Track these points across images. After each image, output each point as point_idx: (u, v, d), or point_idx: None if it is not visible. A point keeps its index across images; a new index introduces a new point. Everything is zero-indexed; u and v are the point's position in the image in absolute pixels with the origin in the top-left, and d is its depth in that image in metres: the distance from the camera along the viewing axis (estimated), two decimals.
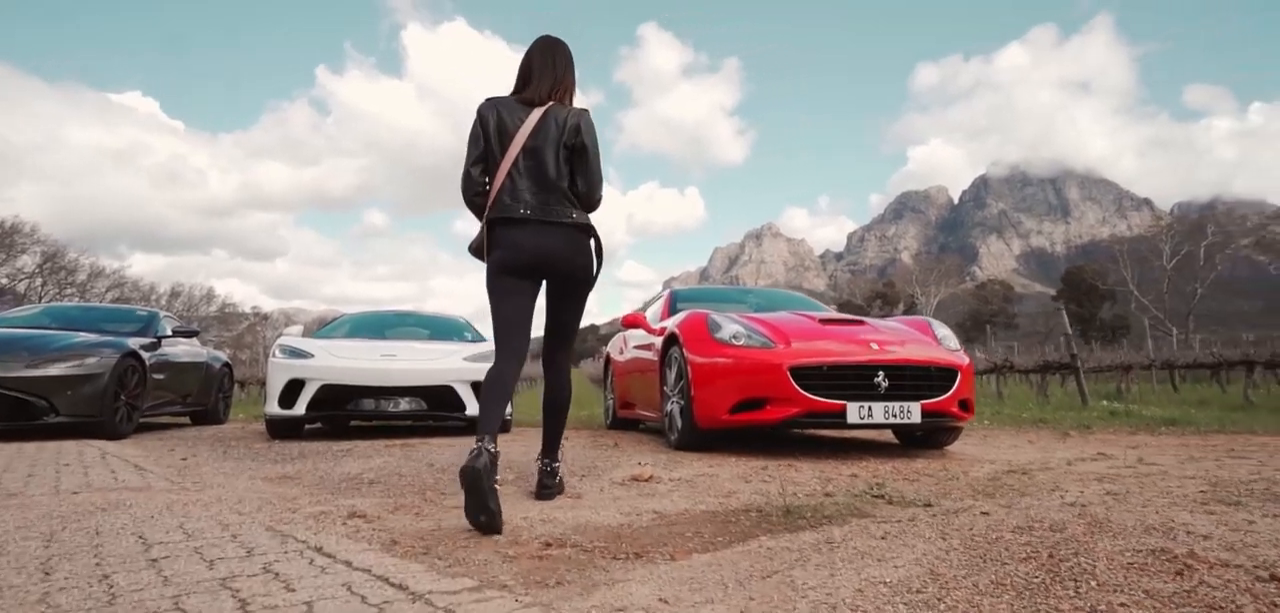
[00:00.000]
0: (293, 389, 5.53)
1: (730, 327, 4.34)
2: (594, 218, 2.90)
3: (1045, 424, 6.97)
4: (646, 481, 3.33)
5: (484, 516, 2.30)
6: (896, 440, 5.16)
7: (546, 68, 2.85)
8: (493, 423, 2.53)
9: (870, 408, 3.95)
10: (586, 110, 2.87)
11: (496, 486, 2.37)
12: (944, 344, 4.50)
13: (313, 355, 5.68)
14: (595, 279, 2.93)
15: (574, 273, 2.83)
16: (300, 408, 5.48)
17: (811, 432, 5.68)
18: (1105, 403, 9.59)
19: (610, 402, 7.11)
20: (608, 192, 3.13)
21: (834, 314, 4.95)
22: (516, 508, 2.71)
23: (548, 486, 2.93)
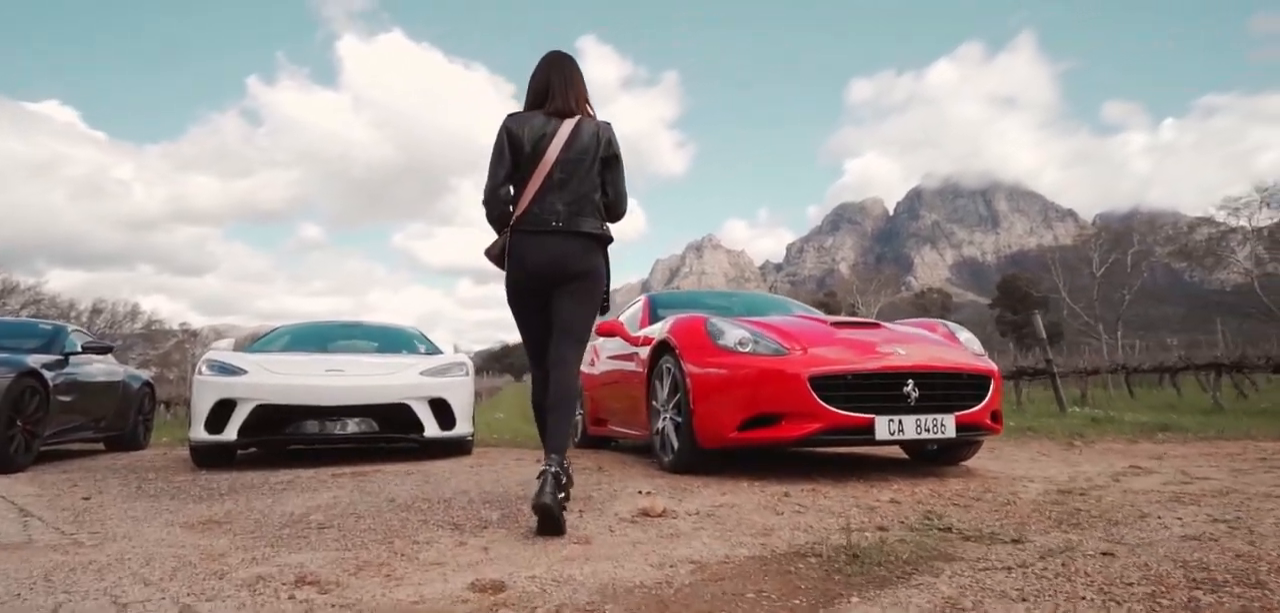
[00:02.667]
0: (222, 411, 4.77)
1: (735, 332, 3.83)
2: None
3: (1036, 433, 6.68)
4: (660, 516, 2.77)
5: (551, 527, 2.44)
6: (906, 455, 4.74)
7: (568, 81, 2.86)
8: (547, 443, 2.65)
9: (900, 422, 3.48)
10: (609, 122, 2.89)
11: (561, 497, 2.48)
12: (969, 348, 4.09)
13: (246, 372, 4.93)
14: (606, 292, 2.91)
15: (581, 274, 2.78)
16: (231, 433, 4.73)
17: (806, 449, 5.21)
18: (1077, 409, 9.46)
19: (580, 418, 6.53)
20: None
21: (845, 317, 4.49)
22: (516, 561, 2.13)
23: (551, 492, 2.39)
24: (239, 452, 5.27)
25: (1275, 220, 43.02)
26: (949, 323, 4.41)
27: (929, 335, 4.15)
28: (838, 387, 3.52)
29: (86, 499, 3.50)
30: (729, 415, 3.66)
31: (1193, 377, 13.77)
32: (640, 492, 3.33)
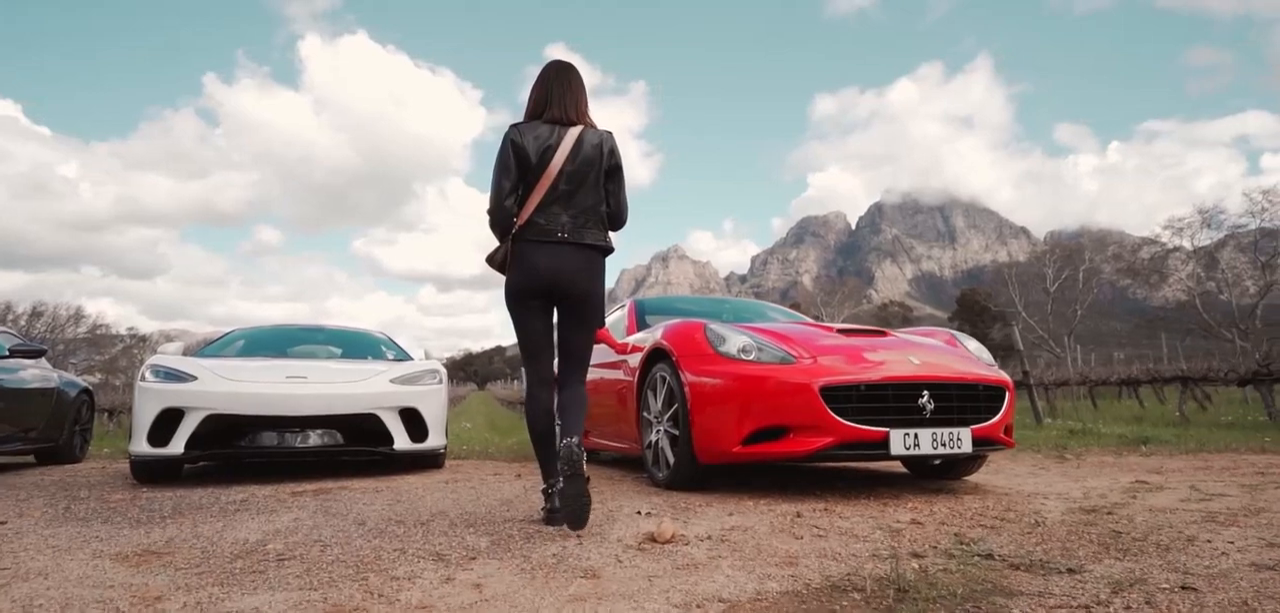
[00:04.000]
0: (168, 421, 4.33)
1: (737, 338, 3.56)
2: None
3: (1021, 445, 6.55)
4: (669, 541, 2.48)
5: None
6: (905, 470, 4.53)
7: (568, 90, 2.87)
8: (551, 467, 2.77)
9: (916, 436, 3.25)
10: (611, 132, 2.91)
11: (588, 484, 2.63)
12: (979, 358, 3.89)
13: (195, 378, 4.50)
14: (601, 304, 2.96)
15: (586, 296, 2.85)
16: (177, 446, 4.29)
17: (801, 464, 4.97)
18: (1050, 421, 9.43)
19: (534, 450, 6.18)
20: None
21: (849, 324, 4.26)
22: (518, 602, 1.81)
23: (579, 455, 2.58)
24: (186, 466, 4.83)
25: (1214, 241, 44.54)
26: (958, 334, 4.21)
27: (939, 344, 3.94)
28: (849, 398, 3.27)
29: (1, 523, 3.07)
30: (732, 428, 3.39)
31: (1135, 389, 14.00)
32: (640, 512, 3.04)
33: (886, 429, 3.23)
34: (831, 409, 3.24)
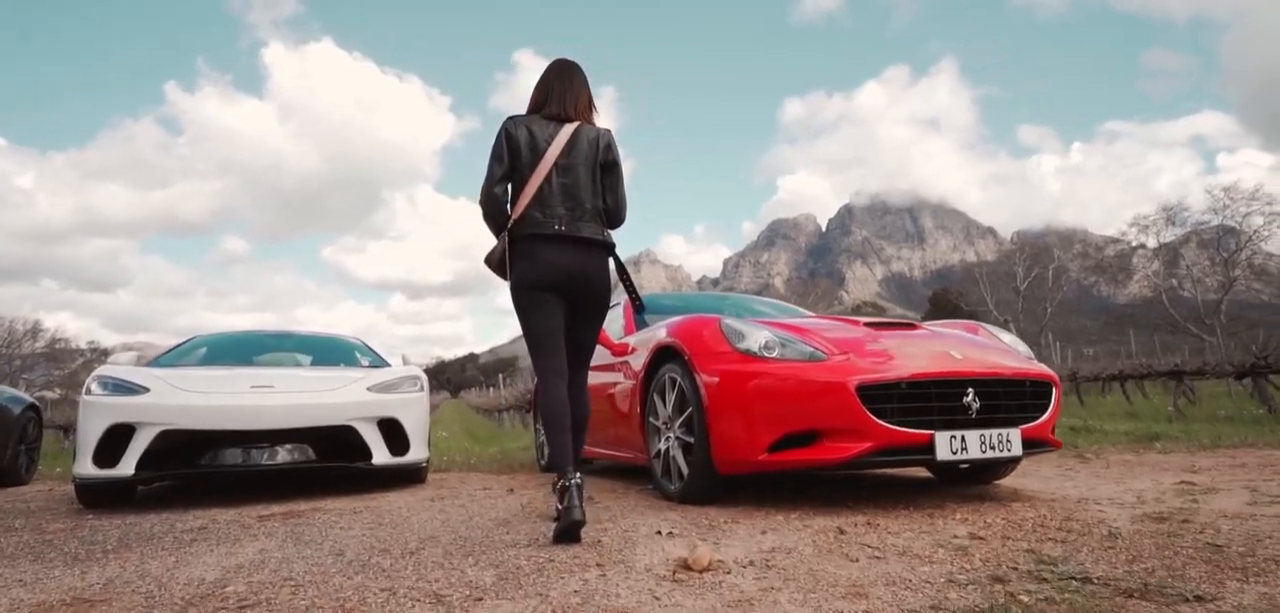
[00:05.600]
0: (116, 439, 3.86)
1: (758, 334, 3.21)
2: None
3: None
4: (706, 570, 2.12)
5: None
6: (929, 475, 4.21)
7: (569, 86, 2.87)
8: (565, 456, 2.58)
9: (963, 439, 2.92)
10: (609, 129, 2.91)
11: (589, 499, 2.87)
12: (1016, 350, 3.58)
13: (147, 390, 4.03)
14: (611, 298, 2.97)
15: (596, 294, 2.84)
16: (128, 466, 3.82)
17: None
18: None
19: (545, 438, 5.79)
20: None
21: (876, 318, 3.94)
22: None
23: (577, 504, 2.52)
24: (140, 487, 4.35)
25: (1178, 237, 45.42)
26: (989, 326, 3.91)
27: (971, 336, 3.62)
28: (888, 397, 2.94)
29: None
30: (756, 434, 3.04)
31: (1123, 384, 13.95)
32: (660, 531, 2.67)
33: (931, 432, 2.90)
34: (869, 410, 2.90)
